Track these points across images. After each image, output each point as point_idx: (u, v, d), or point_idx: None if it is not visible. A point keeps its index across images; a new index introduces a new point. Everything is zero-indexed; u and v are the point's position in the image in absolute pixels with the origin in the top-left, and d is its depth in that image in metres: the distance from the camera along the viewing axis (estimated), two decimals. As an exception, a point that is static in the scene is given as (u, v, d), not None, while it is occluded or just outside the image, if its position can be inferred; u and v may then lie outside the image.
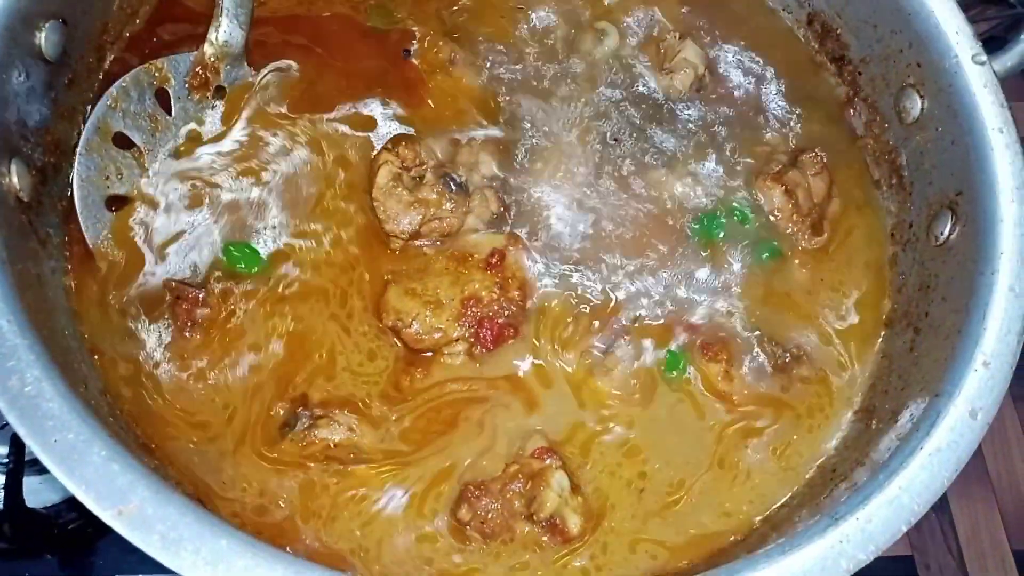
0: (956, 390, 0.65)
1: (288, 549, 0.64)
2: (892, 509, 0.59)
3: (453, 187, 0.79)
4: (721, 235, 0.81)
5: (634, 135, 0.85)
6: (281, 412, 0.70)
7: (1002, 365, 0.65)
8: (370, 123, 0.82)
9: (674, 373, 0.75)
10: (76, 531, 0.93)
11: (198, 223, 0.76)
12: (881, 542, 0.58)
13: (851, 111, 0.90)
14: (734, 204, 0.83)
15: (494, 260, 0.77)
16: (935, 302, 0.75)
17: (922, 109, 0.81)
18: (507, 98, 0.86)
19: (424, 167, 0.80)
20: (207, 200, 0.77)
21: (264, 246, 0.76)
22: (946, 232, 0.77)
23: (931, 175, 0.80)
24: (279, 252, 0.76)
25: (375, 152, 0.80)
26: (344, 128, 0.82)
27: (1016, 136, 0.74)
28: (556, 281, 0.78)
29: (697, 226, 0.82)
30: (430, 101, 0.85)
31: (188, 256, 0.75)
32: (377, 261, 0.77)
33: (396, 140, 0.81)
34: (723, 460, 0.73)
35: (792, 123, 0.88)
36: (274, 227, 0.76)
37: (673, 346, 0.76)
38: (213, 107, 0.81)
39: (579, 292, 0.78)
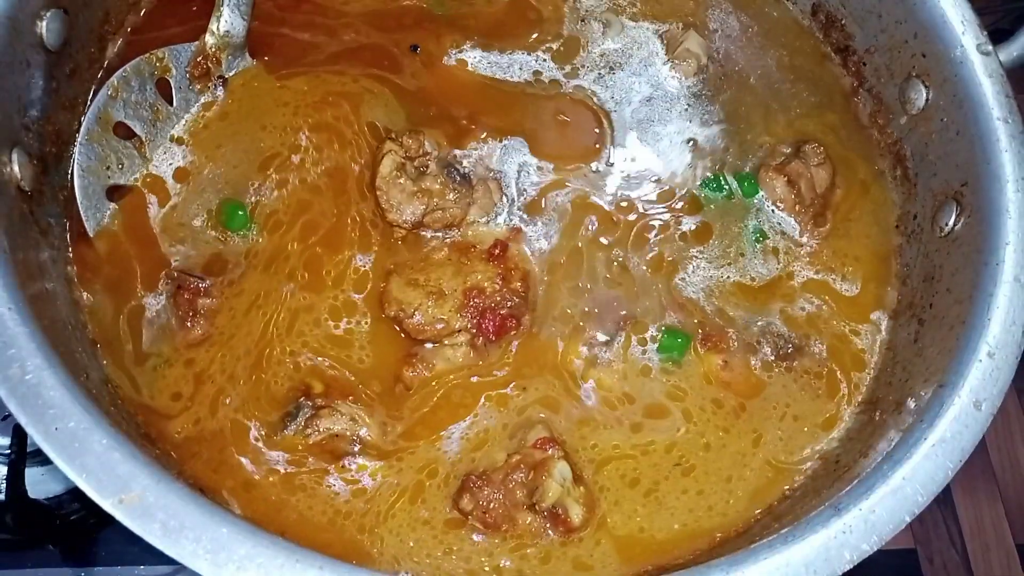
0: (960, 381, 0.64)
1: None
2: (896, 500, 0.59)
3: (457, 178, 0.79)
4: (726, 196, 0.82)
5: (638, 125, 0.85)
6: (285, 388, 0.70)
7: (1007, 356, 0.65)
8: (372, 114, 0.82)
9: (673, 354, 0.75)
10: (78, 522, 0.93)
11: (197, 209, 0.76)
12: (885, 533, 0.58)
13: (856, 101, 0.90)
14: (742, 174, 0.84)
15: (497, 251, 0.76)
16: (939, 293, 0.75)
17: (927, 99, 0.81)
18: (511, 90, 0.85)
19: (428, 158, 0.80)
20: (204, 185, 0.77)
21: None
22: (951, 223, 0.76)
23: (936, 166, 0.80)
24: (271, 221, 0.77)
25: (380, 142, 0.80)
26: (342, 112, 0.82)
27: (1022, 127, 0.74)
28: (559, 271, 0.78)
29: (705, 189, 0.82)
30: (434, 93, 0.85)
31: (188, 244, 0.75)
32: (379, 250, 0.76)
33: (400, 130, 0.81)
34: (725, 451, 0.72)
35: (795, 113, 0.88)
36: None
37: (671, 329, 0.76)
38: (215, 97, 0.81)
39: (582, 282, 0.77)
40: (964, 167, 0.76)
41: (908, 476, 0.60)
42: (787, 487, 0.71)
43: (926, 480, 0.60)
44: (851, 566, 0.56)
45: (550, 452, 0.68)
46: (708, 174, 0.84)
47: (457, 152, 0.82)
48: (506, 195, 0.80)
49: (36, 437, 0.54)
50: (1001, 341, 0.65)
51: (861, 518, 0.58)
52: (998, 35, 0.79)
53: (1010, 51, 0.78)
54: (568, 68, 0.87)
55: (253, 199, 0.77)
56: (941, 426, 0.62)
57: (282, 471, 0.68)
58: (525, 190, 0.81)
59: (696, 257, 0.80)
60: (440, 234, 0.78)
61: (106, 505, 0.53)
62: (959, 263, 0.74)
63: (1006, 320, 0.66)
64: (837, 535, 0.57)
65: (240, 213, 0.76)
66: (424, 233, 0.78)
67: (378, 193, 0.77)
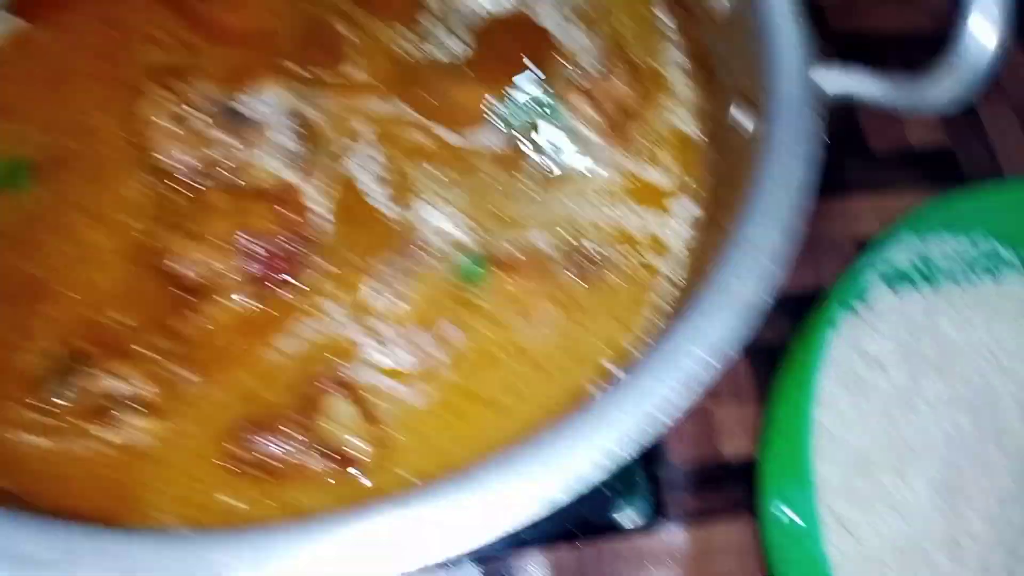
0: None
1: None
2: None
3: (236, 120, 0.75)
4: (523, 120, 0.80)
5: (425, 47, 0.82)
6: (53, 351, 0.67)
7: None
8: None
9: (471, 278, 0.73)
10: None
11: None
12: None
13: (660, 10, 0.88)
14: (541, 98, 0.81)
15: (279, 195, 0.73)
16: (734, 198, 0.74)
17: (728, 7, 0.79)
18: (300, 23, 0.82)
19: (205, 100, 0.76)
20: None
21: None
22: (748, 126, 0.75)
23: (734, 71, 0.78)
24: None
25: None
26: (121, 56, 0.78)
27: (811, 28, 0.72)
28: (346, 210, 0.75)
29: (501, 115, 0.80)
30: (216, 32, 0.81)
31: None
32: (152, 201, 0.73)
33: (176, 72, 0.77)
34: (517, 363, 0.71)
35: (596, 25, 0.85)
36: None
37: (466, 251, 0.74)
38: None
39: (369, 217, 0.75)
40: (756, 75, 0.74)
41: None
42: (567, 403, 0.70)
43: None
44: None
45: (331, 391, 0.67)
46: (509, 97, 0.81)
47: (237, 94, 0.78)
48: (289, 137, 0.77)
49: None
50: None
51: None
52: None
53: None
54: None
55: (29, 156, 0.73)
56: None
57: (50, 439, 0.65)
58: (308, 130, 0.78)
59: (495, 177, 0.77)
60: (220, 179, 0.75)
61: None
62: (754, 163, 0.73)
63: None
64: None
65: (20, 170, 0.72)
66: (200, 181, 0.74)
67: (149, 140, 0.73)
